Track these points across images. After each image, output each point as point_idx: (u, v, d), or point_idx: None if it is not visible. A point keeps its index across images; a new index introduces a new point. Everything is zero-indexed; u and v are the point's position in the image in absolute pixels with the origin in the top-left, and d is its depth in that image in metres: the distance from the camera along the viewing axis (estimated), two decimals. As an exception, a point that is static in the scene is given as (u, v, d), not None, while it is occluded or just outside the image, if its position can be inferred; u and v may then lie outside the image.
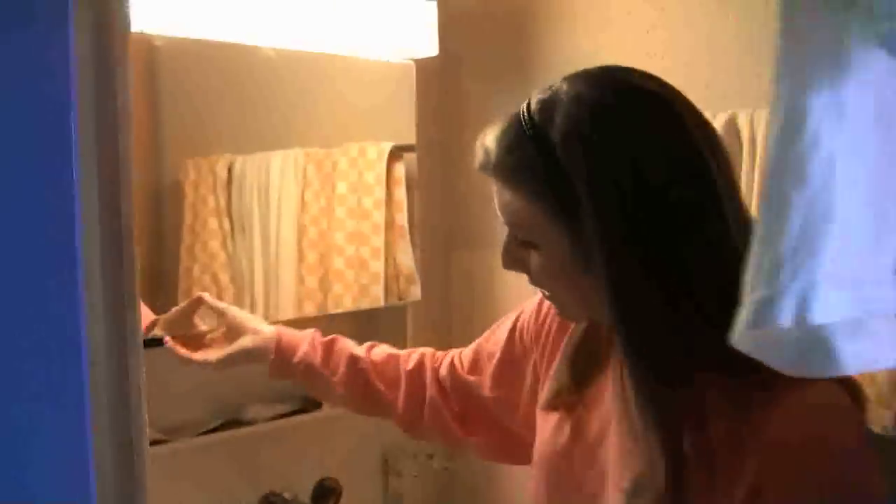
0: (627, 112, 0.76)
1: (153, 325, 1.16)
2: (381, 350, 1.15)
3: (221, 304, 1.18)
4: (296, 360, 1.11)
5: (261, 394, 1.41)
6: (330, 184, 1.43)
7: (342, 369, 1.12)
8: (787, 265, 0.47)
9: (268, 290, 1.36)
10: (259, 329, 1.14)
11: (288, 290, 1.38)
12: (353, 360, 1.12)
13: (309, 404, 1.48)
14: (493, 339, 1.05)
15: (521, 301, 1.03)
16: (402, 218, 1.49)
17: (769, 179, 0.49)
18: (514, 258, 0.83)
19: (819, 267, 0.47)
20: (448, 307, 1.76)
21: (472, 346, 1.09)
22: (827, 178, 0.47)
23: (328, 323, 1.45)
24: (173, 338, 1.16)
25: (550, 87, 0.79)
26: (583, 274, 0.76)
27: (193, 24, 1.27)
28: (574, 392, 0.88)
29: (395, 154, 1.49)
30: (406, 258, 1.50)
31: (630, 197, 0.73)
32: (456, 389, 1.08)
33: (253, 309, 1.34)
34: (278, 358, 1.12)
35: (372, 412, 1.15)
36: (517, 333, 1.01)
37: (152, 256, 1.26)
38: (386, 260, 1.47)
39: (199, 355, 1.15)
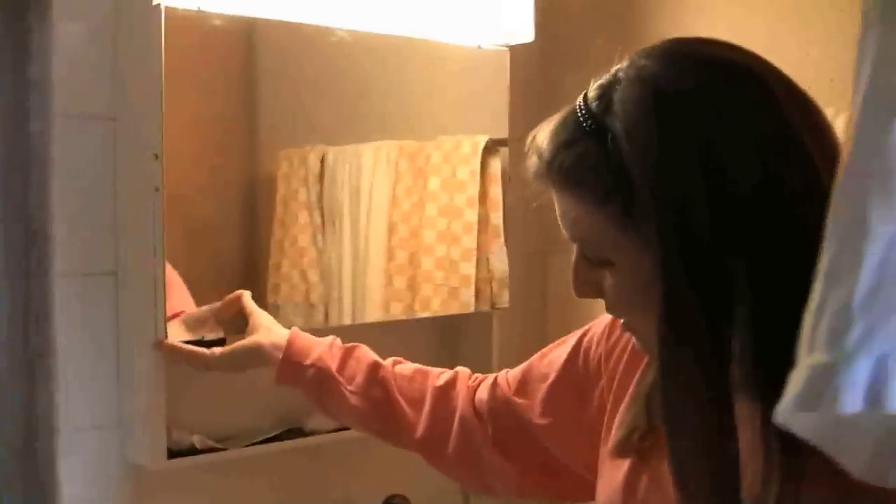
0: (701, 89, 0.67)
1: (172, 317, 1.18)
2: (408, 365, 1.11)
3: (251, 305, 1.17)
4: (308, 362, 1.08)
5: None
6: (422, 179, 1.46)
7: (359, 378, 1.07)
8: (861, 318, 0.36)
9: (355, 289, 1.40)
10: (272, 328, 1.13)
11: (375, 290, 1.42)
12: (374, 368, 1.08)
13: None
14: (549, 358, 1.00)
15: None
16: (497, 217, 1.51)
17: (841, 188, 0.38)
18: (586, 281, 0.76)
19: None
20: (542, 316, 1.77)
21: (522, 366, 1.03)
22: None
23: (403, 329, 1.47)
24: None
25: (611, 70, 0.73)
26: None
27: (290, 5, 1.31)
28: (650, 437, 0.80)
29: (491, 148, 1.52)
30: (500, 261, 1.52)
31: (702, 199, 0.64)
32: (497, 413, 1.02)
33: (340, 309, 1.39)
34: (288, 359, 1.09)
35: (386, 433, 1.09)
36: (581, 354, 0.95)
37: (245, 252, 1.31)
38: (478, 262, 1.50)
39: (202, 350, 1.14)
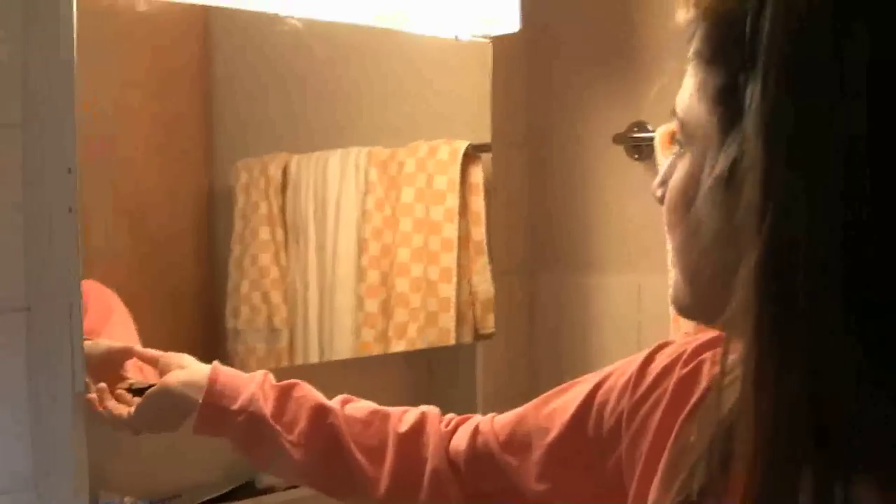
0: None
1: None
2: (362, 405, 1.06)
3: (152, 352, 1.18)
4: (236, 406, 1.04)
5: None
6: (395, 190, 1.54)
7: (302, 425, 1.04)
8: None
9: (322, 314, 1.47)
10: (186, 365, 1.12)
11: (345, 314, 1.49)
12: (320, 412, 1.04)
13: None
14: (551, 408, 0.94)
15: (627, 344, 0.96)
16: (479, 233, 1.59)
17: None
18: (667, 178, 0.68)
19: None
20: (529, 344, 1.85)
21: (513, 413, 0.99)
22: None
23: (373, 364, 1.52)
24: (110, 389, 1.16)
25: None
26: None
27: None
28: (713, 491, 0.69)
29: (472, 155, 1.59)
30: (484, 281, 1.60)
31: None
32: (479, 470, 0.99)
33: (306, 335, 1.45)
34: (210, 403, 1.04)
35: (340, 491, 1.06)
36: (594, 410, 0.89)
37: (201, 271, 1.38)
38: (458, 284, 1.57)
39: (121, 412, 1.14)
